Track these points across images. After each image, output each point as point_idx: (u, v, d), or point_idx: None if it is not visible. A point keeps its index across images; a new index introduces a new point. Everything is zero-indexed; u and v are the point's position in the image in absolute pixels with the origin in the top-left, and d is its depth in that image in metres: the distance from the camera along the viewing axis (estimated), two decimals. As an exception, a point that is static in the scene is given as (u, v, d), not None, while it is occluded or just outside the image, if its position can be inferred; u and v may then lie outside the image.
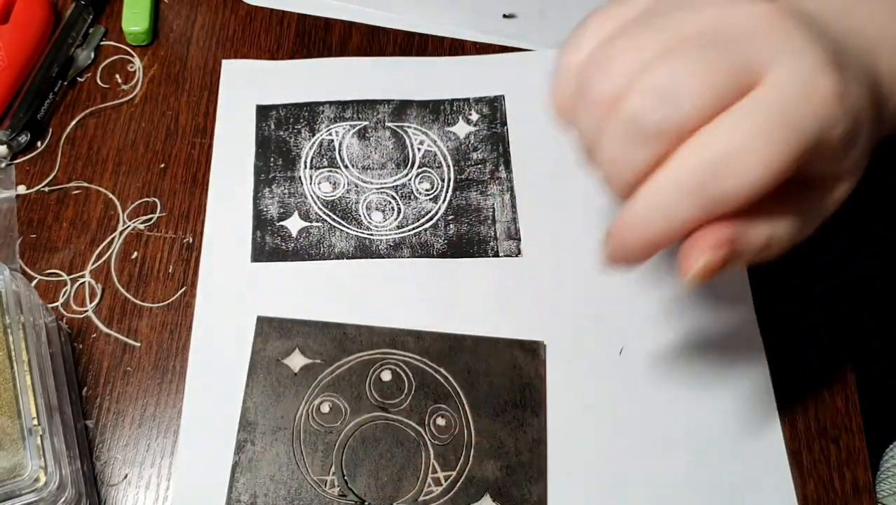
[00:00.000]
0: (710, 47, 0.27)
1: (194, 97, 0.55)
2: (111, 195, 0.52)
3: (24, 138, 0.52)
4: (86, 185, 0.52)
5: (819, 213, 0.31)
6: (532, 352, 0.47)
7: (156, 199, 0.52)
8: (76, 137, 0.54)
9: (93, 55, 0.56)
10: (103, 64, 0.56)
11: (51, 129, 0.54)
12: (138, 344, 0.48)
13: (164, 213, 0.51)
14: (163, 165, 0.53)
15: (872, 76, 0.31)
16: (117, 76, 0.56)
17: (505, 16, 0.58)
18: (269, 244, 0.50)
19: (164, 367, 0.47)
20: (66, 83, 0.55)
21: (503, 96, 0.54)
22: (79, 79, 0.56)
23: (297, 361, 0.47)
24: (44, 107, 0.53)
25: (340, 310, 0.48)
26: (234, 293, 0.49)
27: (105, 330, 0.48)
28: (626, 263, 0.30)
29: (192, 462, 0.45)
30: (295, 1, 0.58)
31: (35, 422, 0.38)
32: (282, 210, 0.51)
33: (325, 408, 0.46)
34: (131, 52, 0.57)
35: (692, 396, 0.46)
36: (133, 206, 0.51)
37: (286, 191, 0.52)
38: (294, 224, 0.51)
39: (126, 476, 0.44)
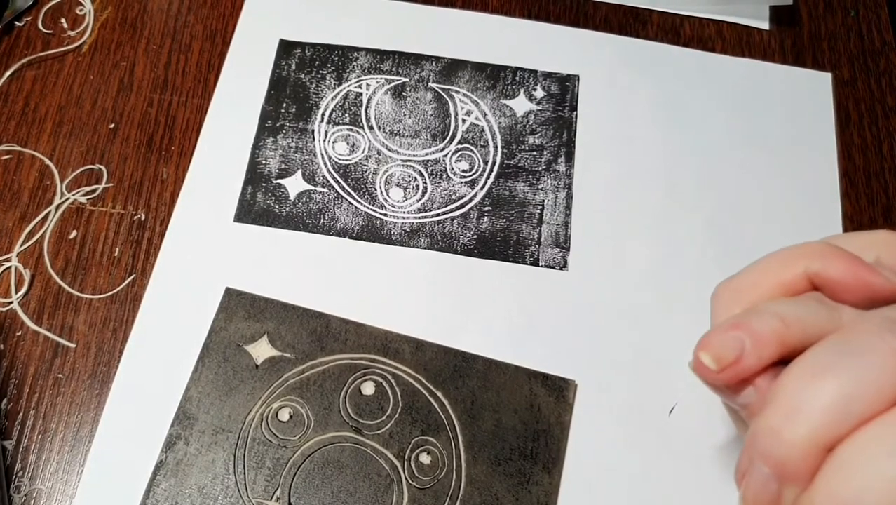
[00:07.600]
0: None
1: (154, 45, 0.47)
2: (48, 161, 0.43)
3: (-52, 90, 0.44)
4: (18, 148, 0.44)
5: None
6: (558, 391, 0.38)
7: (102, 167, 0.43)
8: (10, 92, 0.45)
9: (34, -5, 0.49)
10: (47, 6, 0.49)
11: (-22, 83, 0.46)
12: (73, 345, 0.38)
13: (111, 184, 0.43)
14: (112, 126, 0.45)
15: None
16: (63, 20, 0.48)
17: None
18: (260, 204, 0.42)
19: (104, 374, 0.38)
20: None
21: (578, 76, 0.47)
22: (16, 23, 0.48)
23: (262, 350, 0.38)
24: (-28, 55, 0.45)
25: (328, 297, 0.39)
26: (205, 256, 0.40)
27: (33, 327, 0.39)
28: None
29: (108, 456, 0.36)
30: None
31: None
32: (283, 166, 0.43)
33: (285, 415, 0.37)
34: (80, -10, 0.49)
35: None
36: (74, 174, 0.43)
37: (293, 144, 0.44)
38: (294, 185, 0.43)
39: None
